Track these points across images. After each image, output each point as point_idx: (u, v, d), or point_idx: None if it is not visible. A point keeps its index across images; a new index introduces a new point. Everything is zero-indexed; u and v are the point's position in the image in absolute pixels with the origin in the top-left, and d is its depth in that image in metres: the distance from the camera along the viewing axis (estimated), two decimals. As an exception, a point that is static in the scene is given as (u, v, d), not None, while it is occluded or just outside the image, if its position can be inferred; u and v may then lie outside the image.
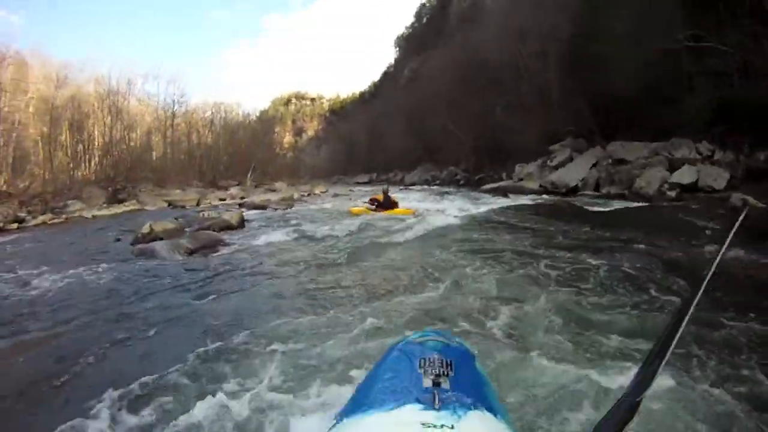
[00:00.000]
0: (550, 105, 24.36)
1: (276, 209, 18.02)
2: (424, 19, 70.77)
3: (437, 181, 36.85)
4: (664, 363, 0.86)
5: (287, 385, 2.95)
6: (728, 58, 14.91)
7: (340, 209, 16.26)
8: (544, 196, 17.23)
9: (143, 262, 7.66)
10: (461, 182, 32.22)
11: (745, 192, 11.02)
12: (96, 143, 37.11)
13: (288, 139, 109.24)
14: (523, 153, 24.15)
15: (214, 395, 2.78)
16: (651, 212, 11.23)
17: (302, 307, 4.66)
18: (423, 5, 74.06)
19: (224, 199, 28.65)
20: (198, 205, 25.89)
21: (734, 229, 1.35)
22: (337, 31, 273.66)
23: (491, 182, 24.39)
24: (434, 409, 1.07)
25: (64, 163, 33.58)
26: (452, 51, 38.52)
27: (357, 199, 16.17)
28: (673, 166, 14.81)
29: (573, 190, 17.29)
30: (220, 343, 3.74)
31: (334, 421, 1.24)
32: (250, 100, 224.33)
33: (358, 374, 2.85)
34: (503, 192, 19.17)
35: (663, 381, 2.62)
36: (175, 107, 45.63)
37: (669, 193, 13.43)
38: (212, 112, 51.18)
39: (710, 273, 1.03)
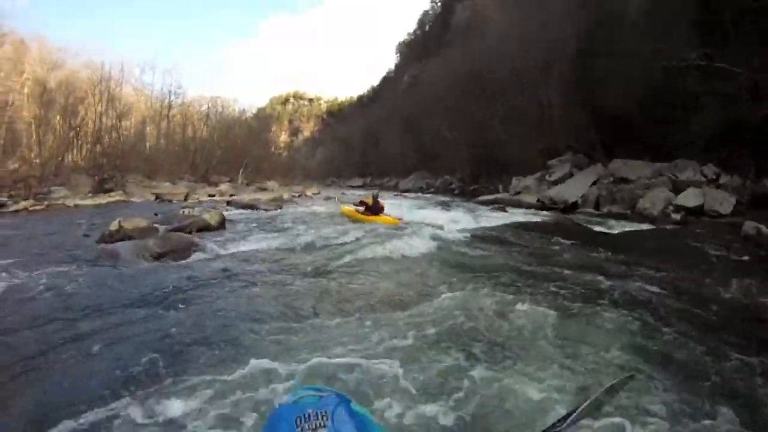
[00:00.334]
0: (550, 119, 24.00)
1: (265, 209, 17.57)
2: (427, 26, 70.59)
3: (431, 189, 36.49)
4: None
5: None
6: (737, 79, 14.49)
7: (330, 213, 15.82)
8: (542, 212, 16.70)
9: (101, 266, 6.98)
10: (456, 192, 31.82)
11: (753, 218, 10.58)
12: (88, 129, 36.76)
13: (284, 138, 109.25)
14: (521, 166, 23.77)
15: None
16: (657, 235, 10.74)
17: (261, 331, 4.18)
18: (426, 12, 73.94)
19: (213, 196, 28.26)
20: (186, 199, 25.60)
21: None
22: (340, 34, 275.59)
23: (487, 193, 23.99)
24: None
25: (54, 148, 33.25)
26: (453, 59, 38.12)
27: (348, 203, 15.60)
28: (677, 188, 14.38)
29: (572, 207, 16.76)
30: (153, 369, 3.33)
31: None
32: (248, 97, 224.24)
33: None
34: (500, 205, 18.68)
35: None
36: (172, 98, 45.40)
37: (674, 215, 12.96)
38: (209, 106, 50.95)
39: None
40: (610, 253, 7.67)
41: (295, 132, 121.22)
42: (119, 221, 9.77)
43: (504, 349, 3.72)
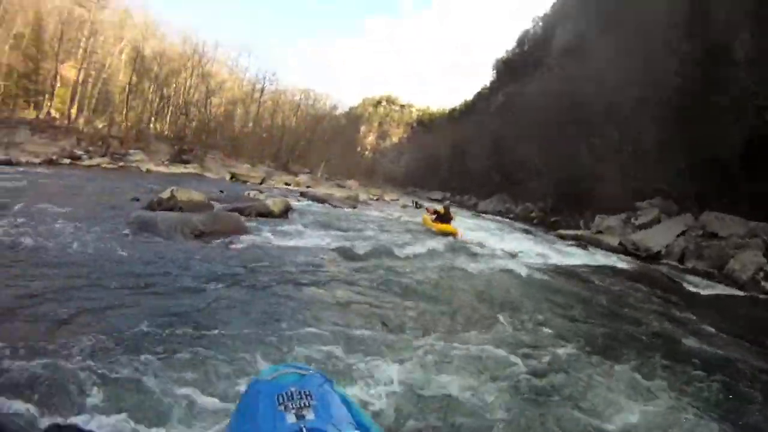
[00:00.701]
0: (642, 157, 23.04)
1: (336, 206, 17.68)
2: (526, 47, 69.33)
3: (511, 215, 35.78)
4: None
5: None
6: None
7: (404, 221, 15.80)
8: (622, 255, 16.02)
9: (133, 235, 6.92)
10: (535, 221, 31.06)
11: None
12: (178, 101, 38.35)
13: (371, 139, 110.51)
14: (605, 204, 22.95)
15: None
16: (749, 304, 10.08)
17: (287, 337, 3.97)
18: (527, 32, 72.61)
19: (289, 184, 28.94)
20: (261, 183, 26.21)
21: None
22: (438, 43, 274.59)
23: (567, 228, 23.38)
24: None
25: (141, 114, 35.00)
26: (550, 83, 37.32)
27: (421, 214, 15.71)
28: (771, 252, 13.45)
29: (655, 256, 16.02)
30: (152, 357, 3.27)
31: None
32: (342, 94, 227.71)
33: None
34: (581, 242, 18.15)
35: None
36: (265, 84, 46.55)
37: (764, 283, 12.09)
38: (301, 97, 52.03)
39: None
40: (697, 317, 7.21)
41: (383, 136, 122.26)
42: (172, 190, 9.53)
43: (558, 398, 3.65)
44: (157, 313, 4.10)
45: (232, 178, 26.55)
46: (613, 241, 17.98)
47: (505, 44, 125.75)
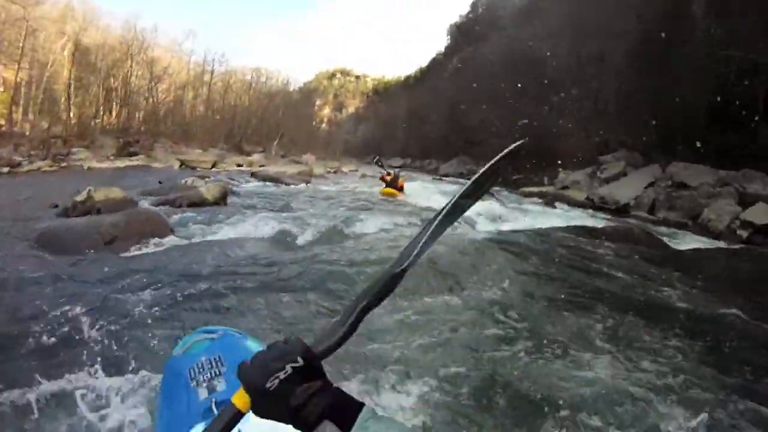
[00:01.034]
0: (604, 111, 22.65)
1: (289, 184, 16.90)
2: (480, 9, 68.68)
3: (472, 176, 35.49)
4: (426, 239, 0.88)
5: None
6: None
7: (362, 192, 15.23)
8: (590, 210, 15.65)
9: (34, 254, 5.58)
10: (498, 180, 30.71)
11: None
12: (121, 92, 37.00)
13: (327, 112, 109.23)
14: (569, 159, 22.50)
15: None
16: (731, 256, 9.47)
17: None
18: (480, -6, 71.98)
19: (241, 165, 28.17)
20: (213, 167, 25.66)
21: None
22: (392, 12, 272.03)
23: (532, 185, 22.97)
24: None
25: (84, 109, 33.56)
26: (504, 44, 36.94)
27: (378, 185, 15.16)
28: (744, 201, 12.98)
29: (624, 209, 15.58)
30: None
31: None
32: (293, 70, 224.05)
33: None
34: (547, 199, 17.63)
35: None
36: (215, 65, 45.42)
37: (740, 232, 11.66)
38: (252, 76, 50.79)
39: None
40: (678, 271, 6.45)
41: (339, 108, 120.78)
42: (89, 191, 8.46)
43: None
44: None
45: (181, 165, 25.26)
46: (580, 196, 17.59)
47: (459, 9, 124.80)
